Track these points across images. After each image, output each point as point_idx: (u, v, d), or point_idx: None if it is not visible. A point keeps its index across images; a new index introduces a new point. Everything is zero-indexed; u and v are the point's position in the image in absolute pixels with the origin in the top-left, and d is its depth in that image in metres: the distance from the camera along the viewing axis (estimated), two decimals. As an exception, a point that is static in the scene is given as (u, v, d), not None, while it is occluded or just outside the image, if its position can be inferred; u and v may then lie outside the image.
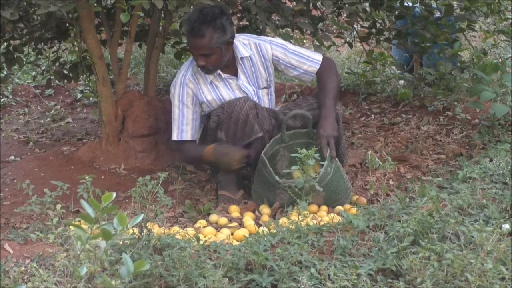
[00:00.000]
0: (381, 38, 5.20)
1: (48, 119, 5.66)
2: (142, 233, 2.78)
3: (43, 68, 5.48)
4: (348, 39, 5.46)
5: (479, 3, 4.92)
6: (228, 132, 3.80)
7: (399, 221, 2.98)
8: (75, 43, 4.47)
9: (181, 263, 2.63)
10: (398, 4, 4.97)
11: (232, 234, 3.41)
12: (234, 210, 3.75)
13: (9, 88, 6.24)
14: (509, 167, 3.54)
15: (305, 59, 3.96)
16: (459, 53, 5.16)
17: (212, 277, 2.56)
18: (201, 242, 2.88)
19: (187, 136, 3.90)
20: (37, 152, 4.88)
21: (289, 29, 4.77)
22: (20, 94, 6.27)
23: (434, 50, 5.08)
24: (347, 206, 3.68)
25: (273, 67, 3.98)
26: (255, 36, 4.06)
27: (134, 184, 3.37)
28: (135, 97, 4.39)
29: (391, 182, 4.00)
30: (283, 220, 3.31)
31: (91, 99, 5.89)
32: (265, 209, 3.71)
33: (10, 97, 6.17)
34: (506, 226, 2.78)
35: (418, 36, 5.03)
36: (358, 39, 5.49)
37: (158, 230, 3.15)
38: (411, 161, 4.20)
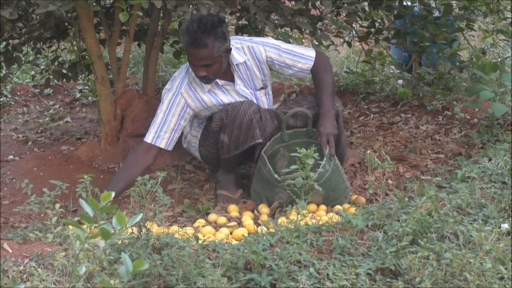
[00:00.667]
0: (380, 38, 5.19)
1: (47, 119, 5.66)
2: (141, 233, 2.78)
3: (42, 67, 5.47)
4: (347, 39, 5.45)
5: (478, 2, 4.91)
6: (231, 136, 3.77)
7: (398, 220, 2.98)
8: (74, 42, 4.46)
9: (180, 263, 2.63)
10: (397, 3, 4.97)
11: (231, 233, 3.41)
12: (233, 210, 3.75)
13: (8, 87, 6.23)
14: (508, 167, 3.53)
15: (299, 57, 3.93)
16: (458, 52, 5.15)
17: (211, 277, 2.56)
18: (200, 242, 2.88)
19: (162, 143, 3.80)
20: (36, 152, 4.87)
21: (288, 29, 4.76)
22: (19, 93, 6.27)
23: (433, 49, 5.07)
24: (346, 205, 3.68)
25: (268, 67, 3.96)
26: (246, 38, 4.03)
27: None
28: (134, 96, 4.39)
29: (390, 181, 4.00)
30: (282, 220, 3.30)
31: (90, 98, 5.88)
32: (264, 209, 3.71)
33: (9, 96, 6.16)
34: (505, 226, 2.78)
35: (417, 35, 5.02)
36: (357, 39, 5.49)
37: (157, 230, 3.15)
38: (410, 160, 4.19)
